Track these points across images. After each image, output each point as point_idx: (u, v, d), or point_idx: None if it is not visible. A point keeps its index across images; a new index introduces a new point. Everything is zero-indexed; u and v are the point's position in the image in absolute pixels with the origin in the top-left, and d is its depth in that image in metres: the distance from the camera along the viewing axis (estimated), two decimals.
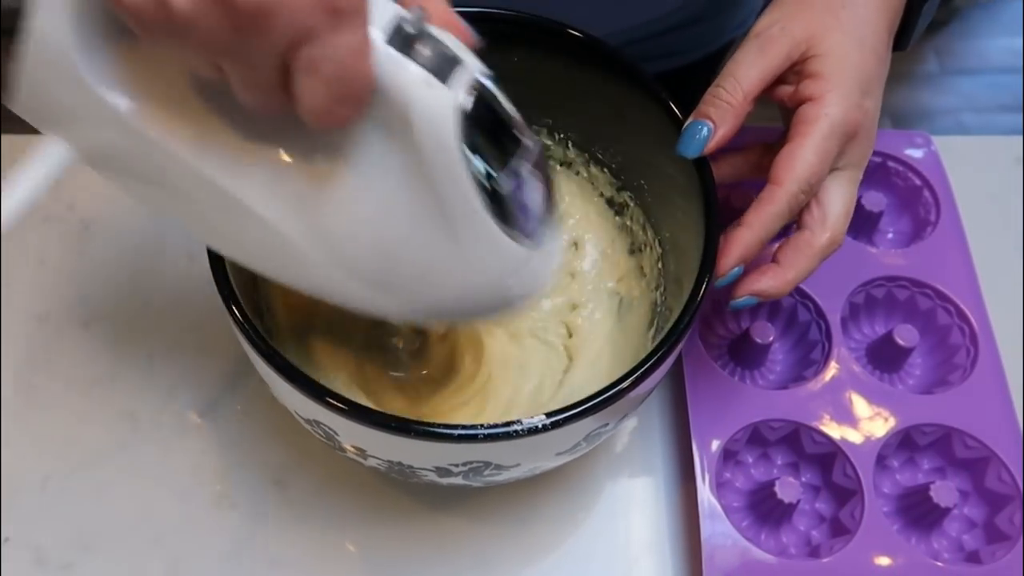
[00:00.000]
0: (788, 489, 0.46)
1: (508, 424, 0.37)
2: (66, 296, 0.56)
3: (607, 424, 0.41)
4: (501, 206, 0.34)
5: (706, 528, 0.46)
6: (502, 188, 0.34)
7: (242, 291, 0.41)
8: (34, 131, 0.37)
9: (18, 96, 0.34)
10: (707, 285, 0.41)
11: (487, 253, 0.35)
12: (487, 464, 0.40)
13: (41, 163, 0.35)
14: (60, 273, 0.57)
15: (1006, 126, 1.58)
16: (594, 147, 0.53)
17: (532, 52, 0.48)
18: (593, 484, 0.51)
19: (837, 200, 0.43)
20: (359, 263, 0.35)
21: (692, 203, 0.44)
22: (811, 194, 0.43)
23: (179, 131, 0.34)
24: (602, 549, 0.49)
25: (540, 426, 0.37)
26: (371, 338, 0.50)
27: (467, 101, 0.32)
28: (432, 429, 0.37)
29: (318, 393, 0.37)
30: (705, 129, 0.43)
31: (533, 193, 0.36)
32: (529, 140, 0.35)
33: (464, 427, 0.37)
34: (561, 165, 0.55)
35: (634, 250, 0.53)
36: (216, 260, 0.40)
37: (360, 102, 0.30)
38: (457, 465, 0.40)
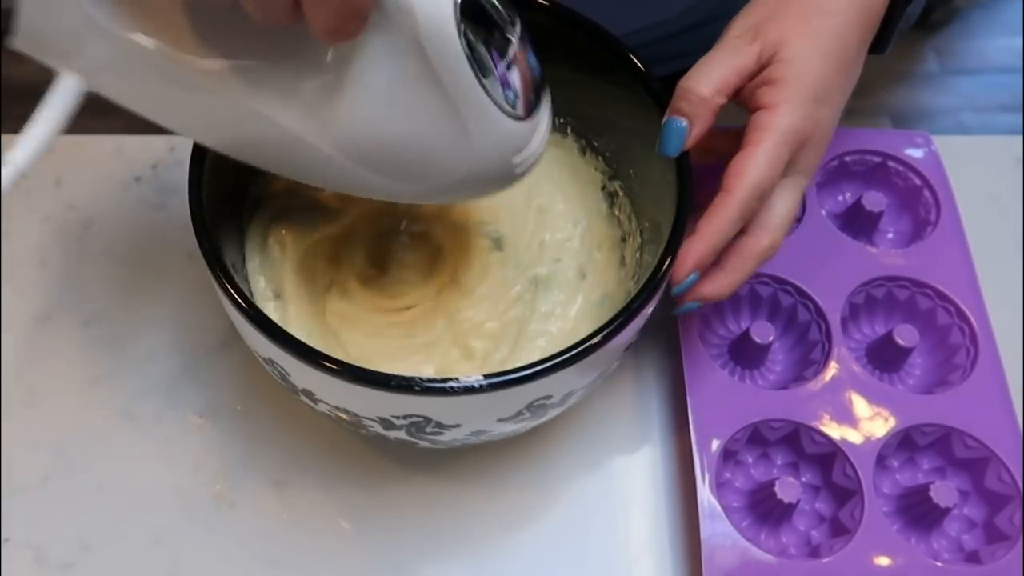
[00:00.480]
0: (788, 489, 0.46)
1: (445, 380, 0.38)
2: (66, 296, 0.56)
3: (550, 396, 0.42)
4: (503, 92, 0.37)
5: (706, 528, 0.46)
6: (501, 76, 0.37)
7: (221, 230, 0.44)
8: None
9: (19, 30, 0.35)
10: (665, 272, 0.42)
11: (492, 134, 0.38)
12: (427, 420, 0.41)
13: (52, 106, 0.36)
14: (60, 273, 0.57)
15: (1006, 126, 1.58)
16: (590, 134, 0.54)
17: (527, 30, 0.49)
18: (596, 480, 0.51)
19: (780, 206, 0.44)
20: (375, 157, 0.38)
21: (670, 193, 0.45)
22: (763, 200, 0.43)
23: (184, 45, 0.35)
24: (602, 549, 0.49)
25: (477, 385, 0.38)
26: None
27: None
28: (370, 375, 0.38)
29: (269, 330, 0.39)
30: (682, 125, 0.44)
31: (525, 74, 0.39)
32: (519, 29, 0.38)
33: (401, 377, 0.38)
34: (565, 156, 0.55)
35: (620, 239, 0.53)
36: (195, 184, 0.42)
37: (366, 15, 0.32)
38: (398, 417, 0.41)
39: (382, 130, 0.37)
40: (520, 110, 0.38)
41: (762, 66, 0.44)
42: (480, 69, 0.36)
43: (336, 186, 0.41)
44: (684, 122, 0.44)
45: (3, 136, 0.59)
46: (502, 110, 0.37)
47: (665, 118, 0.45)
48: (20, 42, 0.35)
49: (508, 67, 0.37)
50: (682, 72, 0.45)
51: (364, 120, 0.37)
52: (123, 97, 0.37)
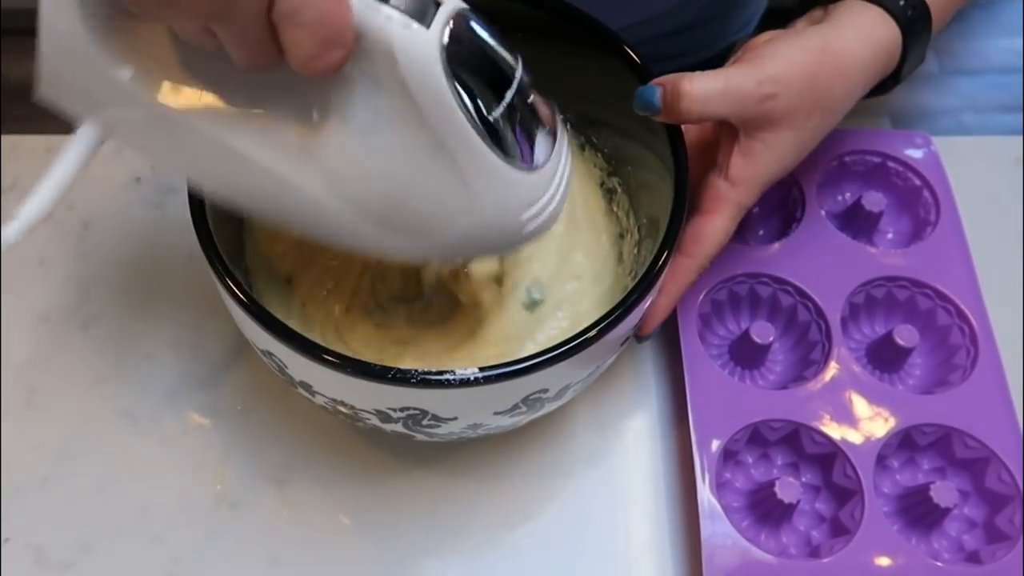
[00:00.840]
0: (788, 489, 0.46)
1: (441, 372, 0.38)
2: (66, 296, 0.56)
3: (546, 390, 0.41)
4: (501, 139, 0.34)
5: (706, 528, 0.46)
6: (500, 121, 0.34)
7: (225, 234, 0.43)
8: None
9: (41, 86, 0.35)
10: (661, 267, 0.42)
11: (495, 186, 0.35)
12: (424, 412, 0.41)
13: (69, 154, 0.37)
14: (60, 273, 0.57)
15: (1006, 126, 1.58)
16: (589, 130, 0.54)
17: (529, 28, 0.48)
18: (596, 479, 0.51)
19: (715, 232, 0.47)
20: (369, 206, 0.36)
21: (667, 190, 0.45)
22: (713, 259, 0.47)
23: (183, 97, 0.35)
24: (602, 549, 0.49)
25: (472, 378, 0.38)
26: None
27: (448, 38, 0.32)
28: (366, 367, 0.38)
29: (267, 322, 0.39)
30: (657, 92, 0.45)
31: (532, 122, 0.36)
32: (519, 71, 0.35)
33: (398, 370, 0.38)
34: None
35: (618, 236, 0.53)
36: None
37: (344, 44, 0.31)
38: (395, 410, 0.41)
39: (373, 177, 0.35)
40: (526, 159, 0.36)
41: (752, 121, 0.45)
42: (475, 114, 0.33)
43: (340, 240, 0.39)
44: (659, 89, 0.45)
45: (3, 136, 0.59)
46: (503, 158, 0.35)
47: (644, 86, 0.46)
48: (44, 97, 0.36)
49: (509, 111, 0.35)
50: (675, 71, 0.46)
51: (356, 167, 0.35)
52: (132, 145, 0.38)
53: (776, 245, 0.54)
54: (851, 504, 0.47)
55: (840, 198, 0.59)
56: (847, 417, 0.49)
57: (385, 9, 0.32)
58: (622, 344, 0.45)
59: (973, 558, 0.47)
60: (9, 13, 1.40)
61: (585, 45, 0.49)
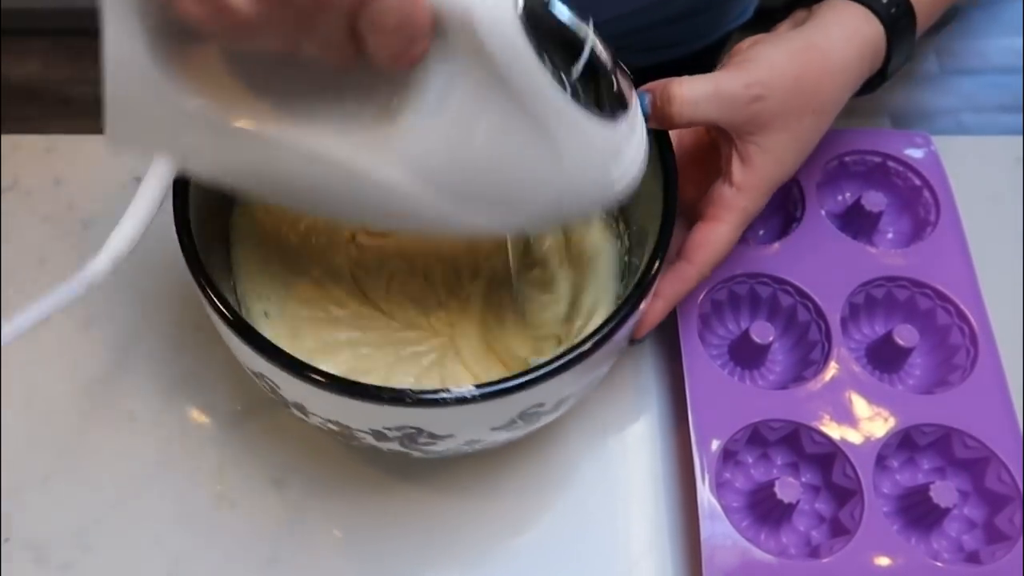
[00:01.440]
0: (788, 489, 0.46)
1: (436, 391, 0.38)
2: None
3: (542, 404, 0.41)
4: (584, 96, 0.35)
5: (706, 528, 0.46)
6: (581, 80, 0.35)
7: (210, 250, 0.43)
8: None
9: (109, 128, 0.35)
10: (653, 278, 0.42)
11: (583, 143, 0.36)
12: (420, 431, 0.40)
13: (147, 189, 0.37)
14: (60, 273, 0.57)
15: (1006, 126, 1.58)
16: None
17: None
18: (595, 480, 0.51)
19: (719, 240, 0.47)
20: (457, 184, 0.36)
21: (657, 200, 0.45)
22: (716, 267, 0.48)
23: (258, 111, 0.35)
24: (602, 550, 0.49)
25: (468, 396, 0.38)
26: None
27: (523, 3, 0.33)
28: (360, 388, 0.38)
29: (257, 343, 0.39)
30: (645, 99, 0.45)
31: (608, 77, 0.37)
32: (591, 31, 0.36)
33: (392, 390, 0.38)
34: None
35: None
36: (180, 208, 0.42)
37: (426, 35, 0.32)
38: (391, 429, 0.40)
39: (462, 156, 0.36)
40: (606, 110, 0.36)
41: (744, 125, 0.46)
42: (558, 73, 0.34)
43: (433, 229, 0.39)
44: (647, 95, 0.45)
45: (3, 136, 0.59)
46: (588, 114, 0.35)
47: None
48: (112, 139, 0.36)
49: (587, 69, 0.35)
50: (670, 62, 0.46)
51: (441, 146, 0.35)
52: (204, 167, 0.38)
53: (776, 245, 0.54)
54: (851, 504, 0.47)
55: (840, 198, 0.59)
56: (847, 417, 0.49)
57: None
58: (618, 352, 0.45)
59: (973, 558, 0.47)
60: (9, 13, 1.40)
61: None
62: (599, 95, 0.36)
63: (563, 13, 0.35)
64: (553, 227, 0.48)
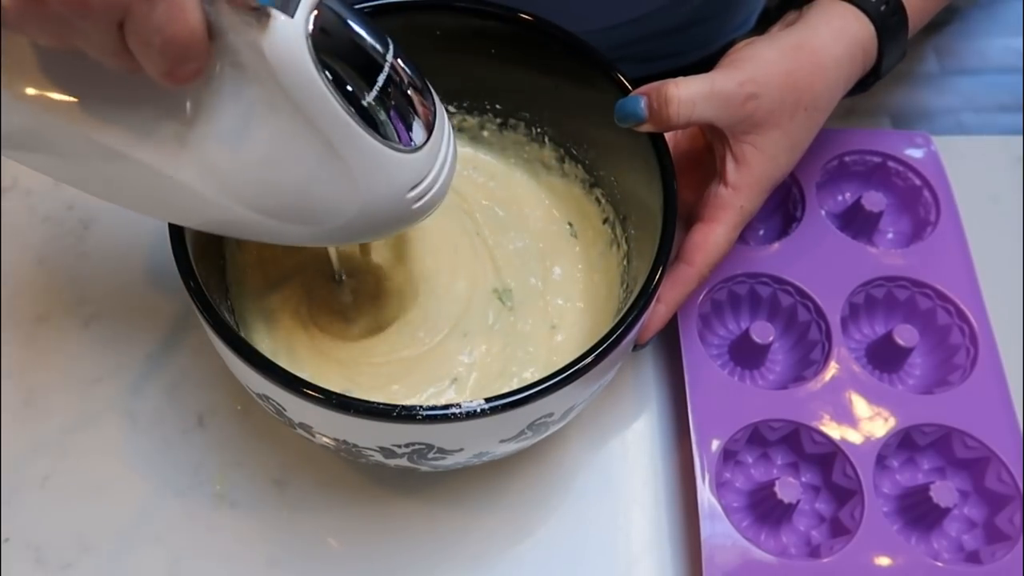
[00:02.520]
0: (788, 489, 0.46)
1: (447, 407, 0.37)
2: (66, 296, 0.56)
3: (551, 414, 0.41)
4: (377, 122, 0.35)
5: (706, 528, 0.46)
6: (373, 105, 0.35)
7: (205, 265, 0.43)
8: None
9: None
10: (656, 285, 0.42)
11: (377, 169, 0.36)
12: (429, 447, 0.40)
13: None
14: (60, 273, 0.57)
15: (1006, 126, 1.58)
16: (568, 143, 0.53)
17: (503, 44, 0.49)
18: (596, 480, 0.51)
19: (718, 241, 0.47)
20: (255, 198, 0.36)
21: (655, 203, 0.45)
22: (715, 268, 0.47)
23: (56, 100, 0.35)
24: (602, 550, 0.49)
25: (479, 410, 0.37)
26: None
27: (314, 26, 0.32)
28: (371, 407, 0.37)
29: (263, 365, 0.38)
30: (642, 102, 0.45)
31: (408, 104, 0.37)
32: (390, 56, 0.36)
33: (403, 407, 0.37)
34: (543, 166, 0.55)
35: (607, 246, 0.53)
36: (175, 230, 0.41)
37: (197, 56, 0.31)
38: (400, 446, 0.40)
39: (253, 168, 0.36)
40: (405, 140, 0.36)
41: (739, 125, 0.46)
42: (347, 99, 0.34)
43: (242, 234, 0.39)
44: (643, 99, 0.45)
45: None
46: (381, 141, 0.35)
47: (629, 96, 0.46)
48: None
49: (382, 95, 0.35)
50: (668, 73, 0.46)
51: (234, 160, 0.35)
52: (18, 157, 0.38)
53: (776, 245, 0.54)
54: (851, 504, 0.47)
55: (840, 198, 0.59)
56: (847, 417, 0.49)
57: (247, 1, 0.32)
58: (624, 358, 0.45)
59: (973, 558, 0.47)
60: None
61: (561, 58, 0.48)
62: (403, 117, 0.36)
63: (362, 35, 0.35)
64: (364, 241, 0.47)
